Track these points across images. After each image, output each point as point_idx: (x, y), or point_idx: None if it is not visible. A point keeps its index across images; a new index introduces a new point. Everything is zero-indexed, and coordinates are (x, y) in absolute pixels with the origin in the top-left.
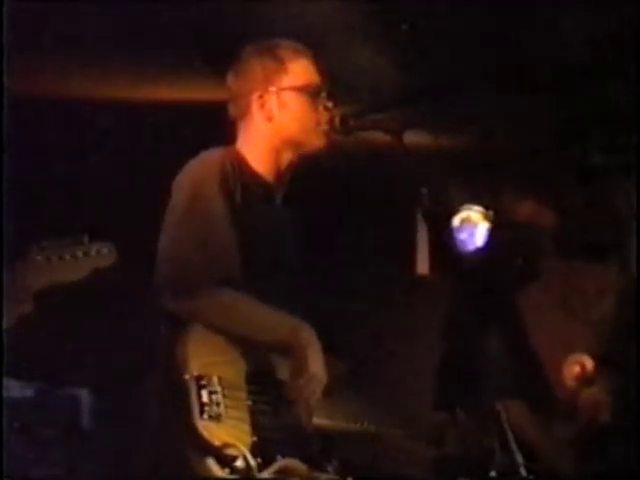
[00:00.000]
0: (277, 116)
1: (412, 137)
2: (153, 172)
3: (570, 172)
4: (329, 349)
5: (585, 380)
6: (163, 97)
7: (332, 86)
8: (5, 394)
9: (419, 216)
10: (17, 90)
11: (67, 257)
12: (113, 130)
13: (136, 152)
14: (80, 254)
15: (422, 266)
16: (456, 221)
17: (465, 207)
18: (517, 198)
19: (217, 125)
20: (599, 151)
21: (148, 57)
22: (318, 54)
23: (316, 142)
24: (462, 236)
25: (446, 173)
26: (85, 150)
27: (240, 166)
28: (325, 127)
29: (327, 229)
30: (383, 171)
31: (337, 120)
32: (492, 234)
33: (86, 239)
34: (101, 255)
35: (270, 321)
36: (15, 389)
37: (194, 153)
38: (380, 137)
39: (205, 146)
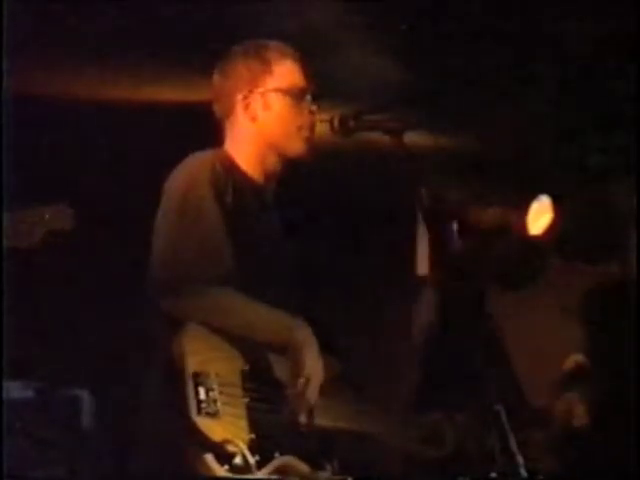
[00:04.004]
0: (261, 117)
1: (412, 137)
2: (152, 172)
3: (570, 172)
4: (327, 349)
5: (581, 379)
6: (163, 97)
7: (320, 89)
8: (5, 395)
9: (419, 217)
10: (17, 90)
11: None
12: (112, 130)
13: (136, 152)
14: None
15: (422, 266)
16: (456, 222)
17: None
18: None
19: (215, 126)
20: (599, 151)
21: (148, 57)
22: (315, 55)
23: (296, 147)
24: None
25: (446, 173)
26: (84, 150)
27: (230, 167)
28: (307, 133)
29: (325, 229)
30: (383, 171)
31: (336, 121)
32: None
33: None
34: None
35: (266, 320)
36: (15, 390)
37: (192, 153)
38: (380, 137)
39: (203, 146)
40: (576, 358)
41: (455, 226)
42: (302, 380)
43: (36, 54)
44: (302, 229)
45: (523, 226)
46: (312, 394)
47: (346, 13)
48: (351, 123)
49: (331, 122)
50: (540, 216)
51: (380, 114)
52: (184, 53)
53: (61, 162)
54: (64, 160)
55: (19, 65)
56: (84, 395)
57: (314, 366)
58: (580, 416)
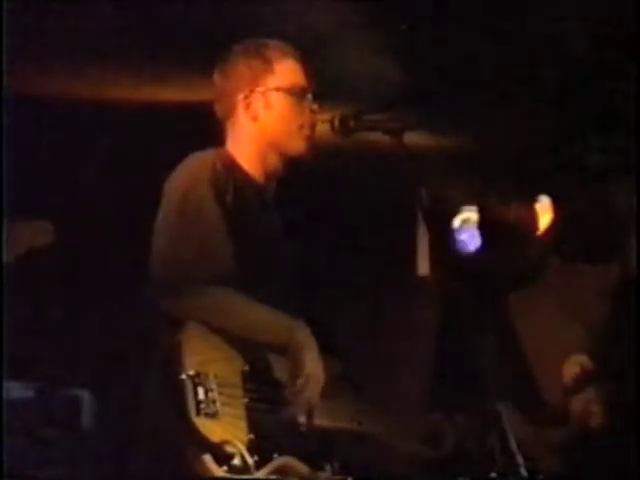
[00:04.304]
0: (262, 116)
1: (412, 137)
2: (152, 172)
3: (570, 172)
4: (327, 349)
5: (583, 381)
6: (163, 97)
7: (320, 88)
8: (5, 395)
9: (419, 217)
10: (17, 90)
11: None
12: (112, 130)
13: (136, 152)
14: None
15: (422, 267)
16: (456, 222)
17: (465, 208)
18: (516, 198)
19: (216, 126)
20: (599, 151)
21: (148, 57)
22: (315, 55)
23: (297, 146)
24: (462, 237)
25: (446, 173)
26: (84, 150)
27: (231, 167)
28: (308, 132)
29: (325, 229)
30: (383, 171)
31: (337, 121)
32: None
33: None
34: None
35: (266, 320)
36: (15, 390)
37: (192, 153)
38: (380, 137)
39: (203, 146)
40: (580, 360)
41: (475, 225)
42: (302, 380)
43: (36, 54)
44: (302, 229)
45: (533, 225)
46: (312, 394)
47: (346, 13)
48: (351, 123)
49: (331, 122)
50: (540, 216)
51: (380, 114)
52: (184, 53)
53: (61, 162)
54: (64, 160)
55: (19, 65)
56: (84, 395)
57: (314, 367)
58: (597, 415)
